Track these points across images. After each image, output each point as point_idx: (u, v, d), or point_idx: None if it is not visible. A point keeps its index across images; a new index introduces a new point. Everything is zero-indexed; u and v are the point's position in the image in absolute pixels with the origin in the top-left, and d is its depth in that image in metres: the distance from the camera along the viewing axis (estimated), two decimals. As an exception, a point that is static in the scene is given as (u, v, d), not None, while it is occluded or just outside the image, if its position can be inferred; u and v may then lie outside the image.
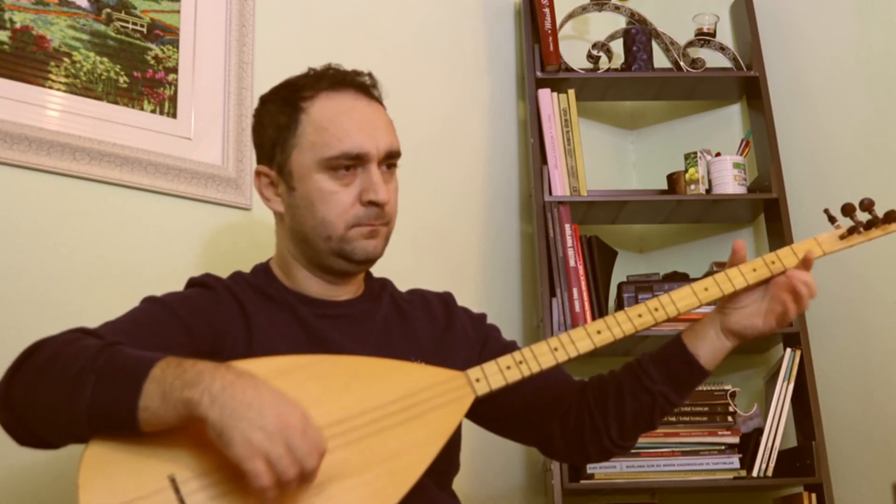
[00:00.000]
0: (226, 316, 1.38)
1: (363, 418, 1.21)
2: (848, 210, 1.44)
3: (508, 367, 1.31)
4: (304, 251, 1.43)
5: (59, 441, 1.17)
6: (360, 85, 1.43)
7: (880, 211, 1.45)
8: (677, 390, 1.43)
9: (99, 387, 1.10)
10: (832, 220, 1.47)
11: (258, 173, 1.45)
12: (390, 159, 1.42)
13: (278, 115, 1.41)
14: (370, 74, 1.45)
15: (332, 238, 1.38)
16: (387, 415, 1.22)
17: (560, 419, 1.50)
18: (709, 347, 1.41)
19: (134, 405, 1.09)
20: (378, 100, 1.46)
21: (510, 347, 1.55)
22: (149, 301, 1.37)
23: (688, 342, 1.42)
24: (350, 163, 1.38)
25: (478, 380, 1.29)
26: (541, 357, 1.32)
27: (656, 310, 1.38)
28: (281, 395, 1.09)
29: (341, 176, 1.38)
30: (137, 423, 1.09)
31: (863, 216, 1.45)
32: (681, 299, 1.39)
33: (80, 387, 1.11)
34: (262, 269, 1.49)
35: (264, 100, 1.48)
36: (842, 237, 1.46)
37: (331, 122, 1.38)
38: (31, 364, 1.16)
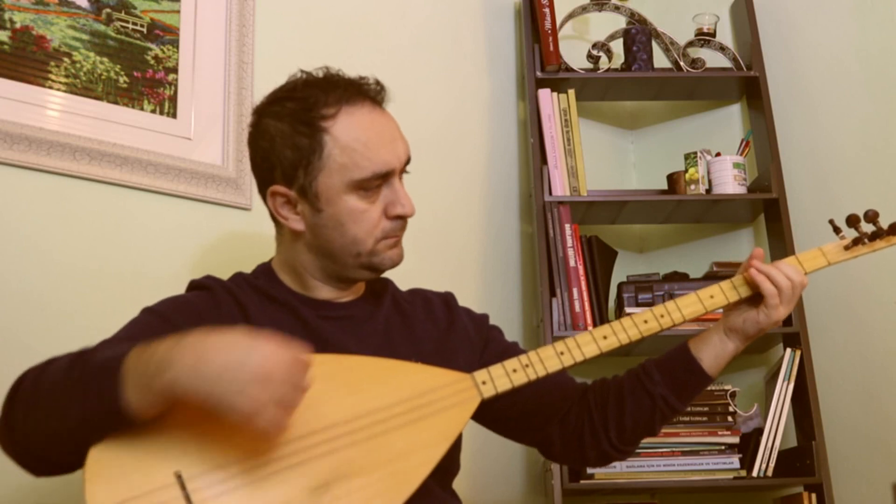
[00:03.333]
0: (226, 318, 1.37)
1: (370, 419, 1.21)
2: (852, 221, 1.45)
3: (515, 371, 1.32)
4: (326, 266, 1.42)
5: (76, 460, 1.14)
6: (372, 95, 1.41)
7: (885, 222, 1.45)
8: (678, 394, 1.44)
9: (82, 397, 1.11)
10: (837, 230, 1.48)
11: (273, 193, 1.40)
12: (406, 166, 1.43)
13: (296, 136, 1.36)
14: (377, 81, 1.43)
15: (361, 254, 1.39)
16: (393, 415, 1.23)
17: (560, 422, 1.50)
18: (712, 352, 1.43)
19: (117, 406, 1.09)
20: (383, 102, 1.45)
21: (512, 349, 1.55)
22: (145, 312, 1.38)
23: (692, 347, 1.44)
24: (379, 182, 1.38)
25: (484, 382, 1.30)
26: (547, 361, 1.34)
27: (662, 316, 1.40)
28: (246, 340, 1.09)
29: (370, 194, 1.38)
30: (131, 418, 1.10)
31: (867, 227, 1.45)
32: (686, 306, 1.41)
33: (67, 404, 1.11)
34: (264, 270, 1.48)
35: (265, 113, 1.41)
36: (846, 248, 1.47)
37: (357, 141, 1.36)
38: (20, 398, 1.16)
